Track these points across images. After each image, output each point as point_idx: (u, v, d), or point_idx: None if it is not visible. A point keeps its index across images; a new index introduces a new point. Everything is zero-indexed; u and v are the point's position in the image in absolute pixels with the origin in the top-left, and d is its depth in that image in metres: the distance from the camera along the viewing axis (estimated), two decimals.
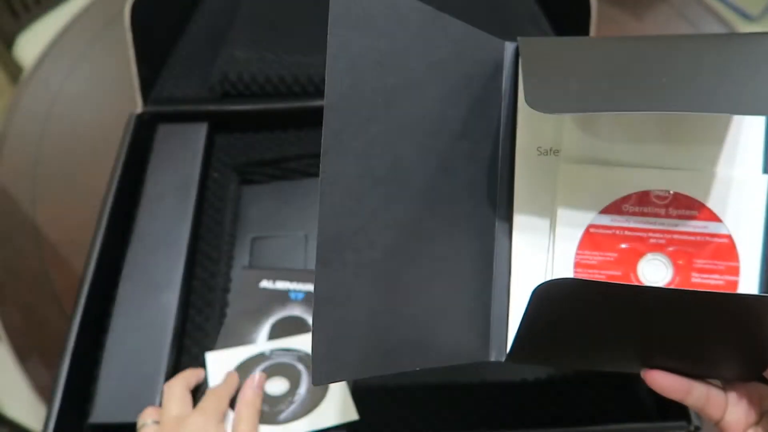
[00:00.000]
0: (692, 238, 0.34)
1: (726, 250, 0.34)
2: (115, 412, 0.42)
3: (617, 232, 0.33)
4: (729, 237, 0.33)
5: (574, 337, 0.29)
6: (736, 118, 0.33)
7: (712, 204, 0.33)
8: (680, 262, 0.33)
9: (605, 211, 0.33)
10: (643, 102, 0.27)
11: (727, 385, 0.28)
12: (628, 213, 0.33)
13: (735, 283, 0.33)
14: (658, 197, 0.33)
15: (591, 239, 0.33)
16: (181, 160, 0.55)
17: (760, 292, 0.33)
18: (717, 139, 0.33)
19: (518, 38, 0.32)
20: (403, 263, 0.29)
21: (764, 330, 0.26)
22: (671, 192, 0.34)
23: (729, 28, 0.76)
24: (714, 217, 0.34)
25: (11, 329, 0.55)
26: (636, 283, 0.33)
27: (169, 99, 0.59)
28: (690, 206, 0.34)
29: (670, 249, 0.33)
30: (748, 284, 0.33)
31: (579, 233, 0.33)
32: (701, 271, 0.34)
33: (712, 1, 0.84)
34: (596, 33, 0.55)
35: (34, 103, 0.74)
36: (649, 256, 0.33)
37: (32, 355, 0.54)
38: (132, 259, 0.50)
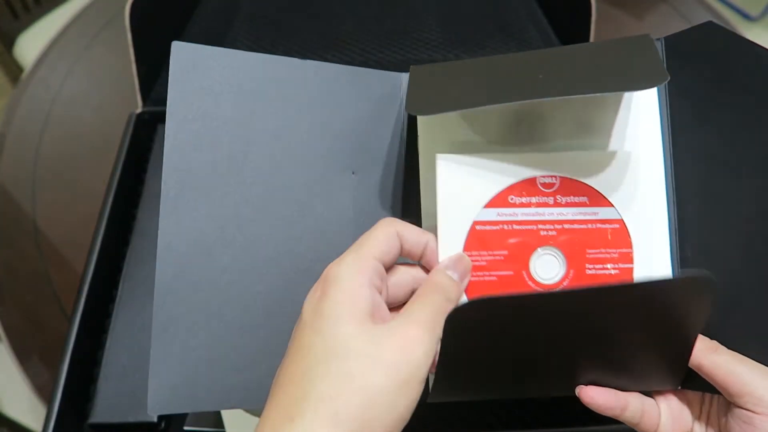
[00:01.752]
0: (583, 226, 0.32)
1: (618, 236, 0.32)
2: (115, 412, 0.42)
3: (505, 227, 0.31)
4: (621, 222, 0.32)
5: (498, 363, 0.28)
6: (625, 100, 0.33)
7: (601, 187, 0.32)
8: (572, 254, 0.32)
9: (490, 204, 0.31)
10: (520, 94, 0.28)
11: (658, 395, 0.29)
12: (515, 205, 0.32)
13: (629, 271, 0.32)
14: (545, 185, 0.32)
15: (477, 237, 0.31)
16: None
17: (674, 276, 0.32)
18: (603, 122, 0.33)
19: (411, 67, 0.33)
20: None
21: (673, 318, 0.24)
22: (557, 177, 0.32)
23: (729, 29, 0.76)
24: (604, 202, 0.32)
25: (11, 329, 0.55)
26: (530, 283, 0.31)
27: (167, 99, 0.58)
28: (578, 192, 0.32)
29: (562, 240, 0.32)
30: (644, 271, 0.31)
31: (464, 232, 0.31)
32: (594, 261, 0.32)
33: (712, 1, 0.84)
34: (596, 33, 0.55)
35: (34, 103, 0.74)
36: (540, 250, 0.32)
37: (32, 355, 0.54)
38: (132, 259, 0.50)
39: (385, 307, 0.27)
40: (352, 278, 0.26)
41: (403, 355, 0.24)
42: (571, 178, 0.32)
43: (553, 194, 0.32)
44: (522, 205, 0.32)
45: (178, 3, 0.66)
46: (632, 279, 0.32)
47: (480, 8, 0.67)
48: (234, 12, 0.65)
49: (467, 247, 0.31)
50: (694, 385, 0.27)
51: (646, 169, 0.33)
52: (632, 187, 0.32)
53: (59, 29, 0.79)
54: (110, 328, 0.46)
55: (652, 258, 0.32)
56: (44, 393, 0.52)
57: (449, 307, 0.26)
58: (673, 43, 0.34)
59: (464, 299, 0.30)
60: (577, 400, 0.28)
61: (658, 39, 0.34)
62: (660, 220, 0.33)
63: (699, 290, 0.24)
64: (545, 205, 0.32)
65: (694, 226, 0.32)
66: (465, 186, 0.31)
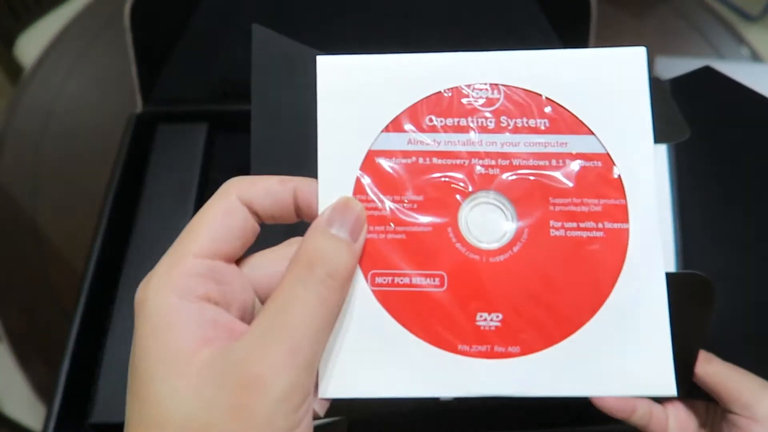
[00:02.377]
0: (544, 162, 0.22)
1: (602, 179, 0.21)
2: (115, 412, 0.42)
3: (421, 160, 0.22)
4: (605, 157, 0.21)
5: None
6: None
7: (573, 104, 0.21)
8: (527, 204, 0.22)
9: (394, 127, 0.21)
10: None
11: (666, 402, 0.28)
12: (434, 129, 0.22)
13: (622, 235, 0.22)
14: (482, 99, 0.22)
15: (377, 176, 0.22)
16: (181, 160, 0.55)
17: (676, 254, 0.26)
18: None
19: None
20: None
21: (673, 321, 0.22)
22: (501, 88, 0.22)
23: (729, 28, 0.76)
24: (578, 127, 0.21)
25: (11, 329, 0.55)
26: (458, 247, 0.21)
27: (169, 99, 0.58)
28: (535, 110, 0.22)
29: (510, 182, 0.22)
30: (642, 234, 0.22)
31: (354, 168, 0.22)
32: (564, 216, 0.22)
33: (712, 1, 0.84)
34: (596, 33, 0.55)
35: (34, 103, 0.74)
36: (477, 197, 0.22)
37: (32, 356, 0.53)
38: (132, 260, 0.50)
39: (229, 320, 0.19)
40: (161, 303, 0.19)
41: (245, 419, 0.17)
42: (523, 89, 0.22)
43: (496, 113, 0.22)
44: (447, 129, 0.22)
45: (178, 3, 0.66)
46: (626, 247, 0.21)
47: (481, 10, 0.67)
48: (234, 12, 0.65)
49: (360, 191, 0.22)
50: (699, 394, 0.26)
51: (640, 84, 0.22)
52: (623, 107, 0.22)
53: (59, 29, 0.79)
54: (110, 328, 0.46)
55: (649, 218, 0.21)
56: (44, 393, 0.52)
57: (335, 290, 0.19)
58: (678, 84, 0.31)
59: (360, 277, 0.21)
60: (580, 400, 0.27)
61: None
62: (661, 158, 0.24)
63: (697, 291, 0.23)
64: (483, 129, 0.22)
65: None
66: (358, 98, 0.22)
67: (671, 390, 0.21)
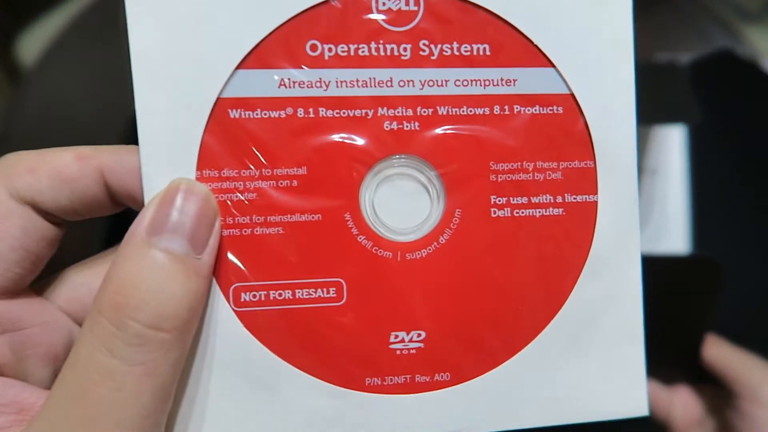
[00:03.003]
0: (483, 111, 0.15)
1: (564, 134, 0.15)
2: None
3: (299, 112, 0.15)
4: (569, 98, 0.15)
5: None
6: None
7: (525, 22, 0.15)
8: (459, 173, 0.15)
9: (256, 60, 0.14)
10: None
11: (673, 387, 0.29)
12: (317, 61, 0.14)
13: (589, 209, 0.15)
14: (390, 12, 0.15)
15: (233, 139, 0.14)
16: None
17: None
18: None
19: None
20: None
21: (681, 304, 0.21)
22: None
23: (729, 28, 0.70)
24: (534, 56, 0.15)
25: None
26: (362, 241, 0.15)
27: None
28: (471, 30, 0.15)
29: (433, 140, 0.15)
30: (616, 210, 0.15)
31: (196, 127, 0.14)
32: (510, 189, 0.15)
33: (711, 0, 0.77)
34: None
35: (34, 103, 0.65)
36: (387, 166, 0.15)
37: None
38: None
39: (16, 394, 0.13)
40: None
41: None
42: None
43: (412, 35, 0.15)
44: (338, 61, 0.15)
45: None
46: (593, 228, 0.15)
47: None
48: None
49: (207, 163, 0.14)
50: (707, 379, 0.26)
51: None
52: (594, 26, 0.15)
53: (59, 29, 0.69)
54: None
55: (629, 183, 0.15)
56: None
57: (168, 348, 0.12)
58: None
59: (217, 295, 0.14)
60: None
61: None
62: (678, 140, 0.18)
63: (704, 274, 0.21)
64: (394, 61, 0.15)
65: None
66: (195, 15, 0.14)
67: (642, 410, 0.16)
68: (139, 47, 0.14)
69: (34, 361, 0.14)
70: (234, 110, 0.14)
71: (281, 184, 0.15)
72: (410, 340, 0.15)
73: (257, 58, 0.14)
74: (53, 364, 0.15)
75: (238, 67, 0.14)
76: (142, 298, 0.12)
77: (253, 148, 0.15)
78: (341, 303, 0.15)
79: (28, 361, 0.14)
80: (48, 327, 0.15)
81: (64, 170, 0.14)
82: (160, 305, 0.12)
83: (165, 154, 0.14)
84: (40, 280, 0.15)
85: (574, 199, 0.16)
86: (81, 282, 0.15)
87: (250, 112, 0.15)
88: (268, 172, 0.15)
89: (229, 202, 0.15)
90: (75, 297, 0.15)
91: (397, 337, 0.15)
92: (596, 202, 0.16)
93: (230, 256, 0.15)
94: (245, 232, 0.15)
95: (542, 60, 0.15)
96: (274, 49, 0.14)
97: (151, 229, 0.13)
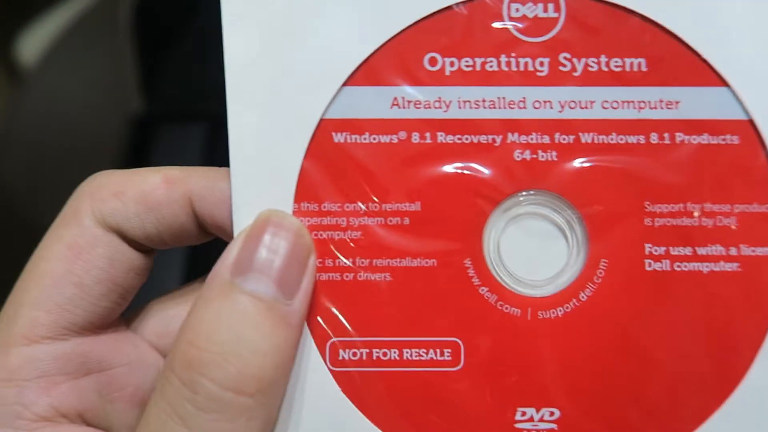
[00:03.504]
0: (637, 139, 0.12)
1: (741, 170, 0.12)
2: None
3: (414, 137, 0.12)
4: (750, 128, 0.12)
5: None
6: None
7: (691, 31, 0.12)
8: (608, 216, 0.12)
9: (366, 75, 0.12)
10: None
11: None
12: (438, 77, 0.12)
13: None
14: (525, 21, 0.12)
15: (336, 166, 0.12)
16: (180, 160, 0.51)
17: None
18: None
19: None
20: None
21: None
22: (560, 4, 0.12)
23: None
24: (703, 73, 0.12)
25: None
26: (486, 296, 0.12)
27: (169, 99, 0.54)
28: (623, 41, 0.12)
29: (574, 173, 0.12)
30: None
31: (295, 152, 0.12)
32: (672, 237, 0.12)
33: None
34: None
35: (34, 103, 0.70)
36: (517, 204, 0.12)
37: None
38: None
39: None
40: None
41: None
42: (603, 2, 0.12)
43: (551, 47, 0.12)
44: (462, 77, 0.12)
45: (178, 2, 0.61)
46: None
47: None
48: None
49: (305, 195, 0.12)
50: None
51: None
52: None
53: (59, 29, 0.74)
54: None
55: None
56: None
57: (252, 416, 0.10)
58: None
59: (311, 350, 0.12)
60: None
61: None
62: None
63: None
64: (529, 77, 0.12)
65: None
66: (297, 25, 0.12)
67: None
68: (235, 57, 0.12)
69: (120, 405, 0.13)
70: (339, 133, 0.12)
71: (391, 221, 0.12)
72: (540, 419, 0.12)
73: (367, 73, 0.12)
74: (140, 407, 0.13)
75: (346, 83, 0.12)
76: (219, 351, 0.10)
77: (360, 179, 0.12)
78: (457, 368, 0.12)
79: (115, 406, 0.13)
80: (136, 366, 0.13)
81: (151, 195, 0.12)
82: (241, 361, 0.10)
83: (258, 182, 0.12)
84: (127, 311, 0.14)
85: (753, 252, 0.12)
86: (173, 314, 0.14)
87: (358, 136, 0.12)
88: (376, 207, 0.12)
89: (329, 242, 0.12)
90: (166, 331, 0.13)
91: (524, 414, 0.12)
92: None
93: (328, 305, 0.12)
94: (347, 277, 0.12)
95: (713, 77, 0.12)
96: (387, 63, 0.12)
97: (235, 268, 0.11)
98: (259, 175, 0.12)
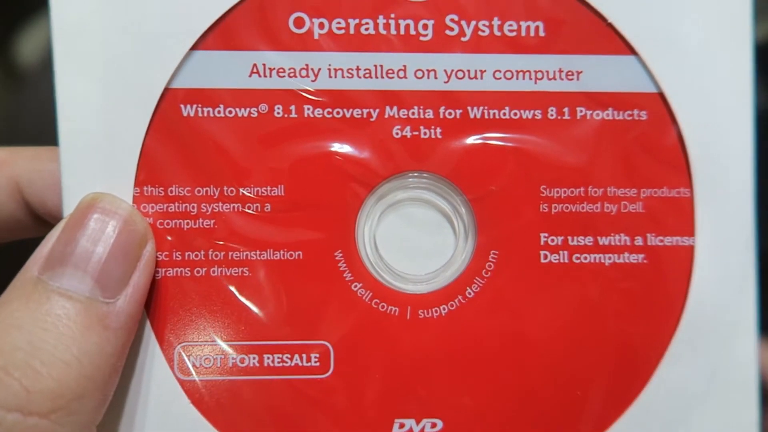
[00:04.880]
0: (532, 113, 0.11)
1: (648, 147, 0.11)
2: None
3: (276, 110, 0.10)
4: (659, 101, 0.11)
5: None
6: None
7: (601, 1, 0.11)
8: (498, 200, 0.11)
9: (219, 38, 0.10)
10: None
11: None
12: (305, 40, 0.10)
13: (683, 257, 0.11)
14: None
15: (185, 144, 0.10)
16: None
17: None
18: None
19: None
20: None
21: None
22: None
23: None
24: (607, 39, 0.11)
25: None
26: (359, 293, 0.11)
27: None
28: (525, 5, 0.11)
29: (460, 152, 0.11)
30: (722, 260, 0.11)
31: (135, 128, 0.10)
32: (571, 225, 0.11)
33: None
34: None
35: (34, 103, 0.66)
36: (396, 187, 0.11)
37: None
38: None
39: None
40: None
41: None
42: None
43: (435, 6, 0.11)
44: (334, 41, 0.11)
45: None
46: (687, 284, 0.11)
47: None
48: None
49: (147, 177, 0.10)
50: None
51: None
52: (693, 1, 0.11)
53: None
54: None
55: (743, 220, 0.11)
56: None
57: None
58: None
59: (156, 354, 0.10)
60: None
61: None
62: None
63: None
64: (410, 42, 0.11)
65: None
66: None
67: None
68: (62, 14, 0.10)
69: None
70: (188, 105, 0.11)
71: (249, 208, 0.11)
72: (421, 431, 0.11)
73: (221, 35, 0.11)
74: None
75: (195, 46, 0.11)
76: (3, 363, 0.08)
77: (214, 159, 0.11)
78: (326, 375, 0.11)
79: None
80: None
81: None
82: (30, 374, 0.08)
83: (92, 162, 0.10)
84: None
85: (661, 241, 0.11)
86: None
87: (211, 109, 0.11)
88: (231, 191, 0.11)
89: (177, 232, 0.11)
90: None
91: (403, 426, 0.11)
92: (693, 246, 0.11)
93: (174, 305, 0.11)
94: (198, 272, 0.11)
95: (618, 44, 0.11)
96: (245, 23, 0.11)
97: (47, 263, 0.09)
98: (93, 154, 0.10)
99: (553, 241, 0.11)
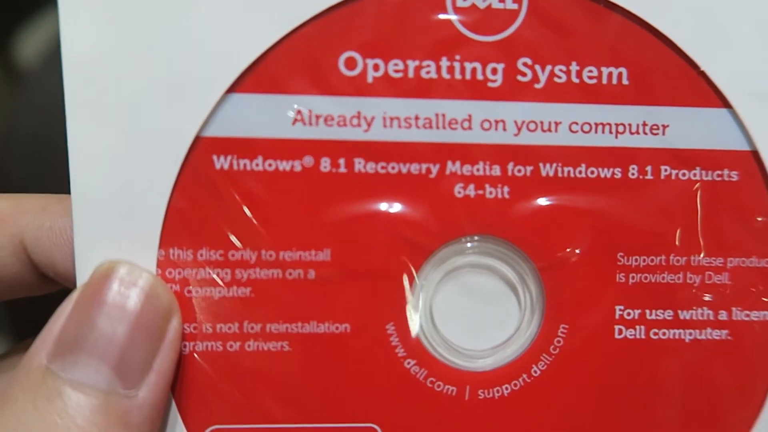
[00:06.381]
0: (611, 172, 0.10)
1: (738, 215, 0.10)
2: None
3: (323, 164, 0.09)
4: (753, 163, 0.10)
5: None
6: None
7: (684, 34, 0.09)
8: (570, 270, 0.10)
9: (257, 80, 0.09)
10: None
11: None
12: (357, 84, 0.09)
13: None
14: (477, 7, 0.09)
15: (217, 201, 0.09)
16: None
17: None
18: None
19: None
20: None
21: None
22: None
23: None
24: (699, 90, 0.09)
25: (12, 330, 0.49)
26: (411, 369, 0.09)
27: None
28: (598, 45, 0.09)
29: (529, 215, 0.09)
30: None
31: (161, 183, 0.09)
32: (649, 298, 0.10)
33: None
34: None
35: (34, 103, 0.64)
36: (453, 254, 0.10)
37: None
38: None
39: None
40: None
41: None
42: None
43: (506, 47, 0.09)
44: (384, 85, 0.09)
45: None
46: None
47: None
48: None
49: (173, 238, 0.09)
50: None
51: None
52: None
53: (59, 29, 0.69)
54: None
55: None
56: None
57: None
58: None
59: (178, 425, 0.09)
60: None
61: None
62: None
63: None
64: (477, 88, 0.09)
65: None
66: (159, 17, 0.09)
67: None
68: (75, 50, 0.09)
69: None
70: (222, 157, 0.09)
71: (291, 274, 0.09)
72: None
73: (261, 77, 0.09)
74: None
75: (231, 89, 0.09)
76: None
77: (251, 217, 0.09)
78: None
79: None
80: None
81: None
82: None
83: (111, 221, 0.09)
84: None
85: (747, 317, 0.10)
86: None
87: (248, 161, 0.09)
88: (271, 255, 0.09)
89: (207, 301, 0.09)
90: None
91: None
92: None
93: (204, 384, 0.09)
94: (231, 347, 0.09)
95: (710, 96, 0.10)
96: (288, 63, 0.09)
97: (56, 349, 0.08)
98: (112, 212, 0.09)
99: (629, 314, 0.10)
